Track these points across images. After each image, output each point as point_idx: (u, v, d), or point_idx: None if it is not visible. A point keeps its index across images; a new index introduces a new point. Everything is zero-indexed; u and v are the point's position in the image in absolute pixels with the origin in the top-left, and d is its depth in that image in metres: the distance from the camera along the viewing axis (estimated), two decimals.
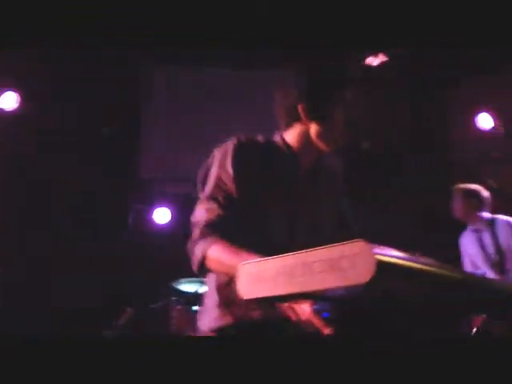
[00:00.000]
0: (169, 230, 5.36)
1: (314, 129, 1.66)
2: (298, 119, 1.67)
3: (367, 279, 0.98)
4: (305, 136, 1.68)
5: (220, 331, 1.60)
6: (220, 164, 1.61)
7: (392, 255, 1.05)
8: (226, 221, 1.55)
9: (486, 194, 3.53)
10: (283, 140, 1.72)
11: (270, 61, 4.51)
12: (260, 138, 1.72)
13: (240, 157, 1.61)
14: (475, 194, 3.52)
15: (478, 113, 4.72)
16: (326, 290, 1.08)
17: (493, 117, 4.70)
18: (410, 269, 1.06)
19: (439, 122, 5.26)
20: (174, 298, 4.37)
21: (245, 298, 1.22)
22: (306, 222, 1.67)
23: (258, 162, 1.65)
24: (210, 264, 1.52)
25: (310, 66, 1.69)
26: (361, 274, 0.99)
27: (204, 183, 1.66)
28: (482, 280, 1.52)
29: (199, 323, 1.72)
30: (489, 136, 4.80)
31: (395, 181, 4.94)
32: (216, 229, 1.53)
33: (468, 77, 4.79)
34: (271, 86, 1.76)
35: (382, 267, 0.99)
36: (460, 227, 3.81)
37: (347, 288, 1.04)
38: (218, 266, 1.51)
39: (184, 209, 4.94)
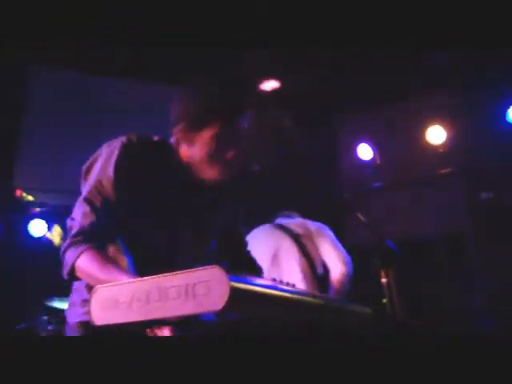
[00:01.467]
0: (45, 242, 5.03)
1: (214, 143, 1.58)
2: (200, 131, 1.57)
3: (221, 306, 0.96)
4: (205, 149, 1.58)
5: (86, 324, 1.49)
6: (103, 166, 1.52)
7: (248, 282, 1.04)
8: (99, 228, 1.47)
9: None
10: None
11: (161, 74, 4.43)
12: (156, 137, 1.63)
13: (125, 159, 1.51)
14: None
15: (359, 143, 4.98)
16: (180, 317, 1.05)
17: (372, 148, 4.99)
18: (265, 295, 1.05)
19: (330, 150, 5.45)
20: (44, 317, 4.08)
21: (97, 323, 1.15)
22: (187, 232, 1.62)
23: (145, 164, 1.55)
24: (78, 274, 1.44)
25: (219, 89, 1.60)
26: (215, 301, 0.97)
27: (86, 179, 1.56)
28: (341, 305, 1.56)
29: (67, 315, 1.62)
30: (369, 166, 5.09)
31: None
32: (88, 237, 1.44)
33: (352, 108, 5.06)
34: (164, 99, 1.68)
35: (237, 294, 0.97)
36: None
37: (202, 314, 1.01)
38: (86, 278, 1.43)
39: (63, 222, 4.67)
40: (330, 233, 3.00)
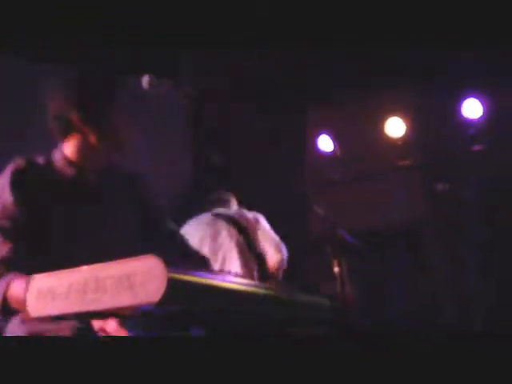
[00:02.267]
0: None
1: (92, 137, 1.63)
2: (73, 130, 1.63)
3: (158, 298, 0.93)
4: (84, 146, 1.63)
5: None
6: (0, 194, 1.54)
7: (189, 272, 1.01)
8: (19, 253, 1.45)
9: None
10: (63, 155, 1.66)
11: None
12: (40, 159, 1.65)
13: (19, 184, 1.54)
14: None
15: (319, 135, 5.00)
16: (118, 309, 1.01)
17: (332, 140, 5.02)
18: (205, 286, 1.03)
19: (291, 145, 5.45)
20: None
21: (33, 315, 1.10)
22: (97, 236, 1.59)
23: (38, 186, 1.57)
24: (14, 306, 1.39)
25: (79, 78, 1.64)
26: (152, 293, 0.94)
27: None
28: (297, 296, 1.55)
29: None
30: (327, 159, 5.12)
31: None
32: (9, 265, 1.42)
33: (313, 102, 5.06)
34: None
35: (175, 285, 0.94)
36: None
37: (140, 306, 0.98)
38: (20, 306, 1.38)
39: None
40: (265, 221, 3.07)
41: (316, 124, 5.15)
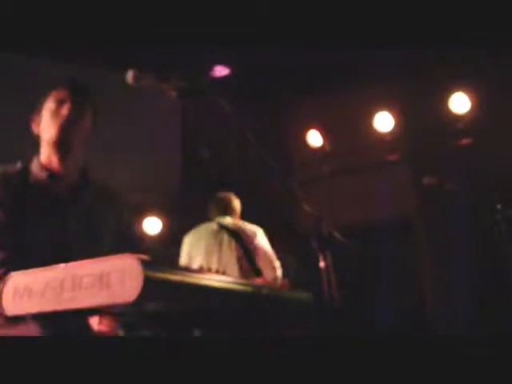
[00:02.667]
0: None
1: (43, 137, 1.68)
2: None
3: (134, 297, 0.92)
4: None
5: None
6: None
7: (166, 270, 0.99)
8: (9, 257, 1.48)
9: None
10: (39, 162, 1.68)
11: None
12: (18, 166, 1.67)
13: None
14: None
15: (309, 130, 4.98)
16: (94, 308, 1.00)
17: (322, 134, 5.01)
18: (185, 284, 1.01)
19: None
20: None
21: (9, 314, 1.09)
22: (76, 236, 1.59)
23: (12, 194, 1.59)
24: None
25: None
26: (128, 292, 0.93)
27: None
28: (277, 291, 1.54)
29: None
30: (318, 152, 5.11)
31: None
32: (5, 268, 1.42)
33: (302, 95, 5.04)
34: None
35: (151, 283, 0.93)
36: None
37: (116, 305, 0.96)
38: None
39: None
40: (264, 238, 3.22)
41: (304, 118, 5.14)
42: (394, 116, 4.86)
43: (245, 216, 3.62)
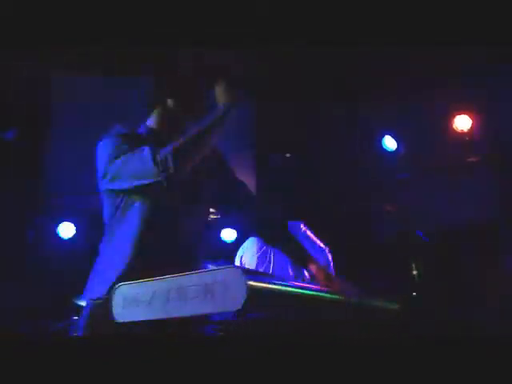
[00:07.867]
0: (74, 244, 5.11)
1: (170, 102, 1.76)
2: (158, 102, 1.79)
3: (239, 306, 0.96)
4: (164, 113, 1.77)
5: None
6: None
7: (266, 280, 1.03)
8: None
9: None
10: (146, 127, 1.79)
11: None
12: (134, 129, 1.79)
13: None
14: None
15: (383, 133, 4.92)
16: (200, 316, 1.05)
17: (396, 139, 4.92)
18: (283, 293, 1.04)
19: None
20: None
21: (118, 320, 1.17)
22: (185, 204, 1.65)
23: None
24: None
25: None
26: (233, 301, 0.97)
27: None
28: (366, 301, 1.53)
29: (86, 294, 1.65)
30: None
31: None
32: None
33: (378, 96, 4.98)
34: None
35: (255, 293, 0.97)
36: None
37: (221, 314, 1.01)
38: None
39: (89, 223, 4.75)
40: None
41: (378, 122, 5.07)
42: (471, 116, 4.72)
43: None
